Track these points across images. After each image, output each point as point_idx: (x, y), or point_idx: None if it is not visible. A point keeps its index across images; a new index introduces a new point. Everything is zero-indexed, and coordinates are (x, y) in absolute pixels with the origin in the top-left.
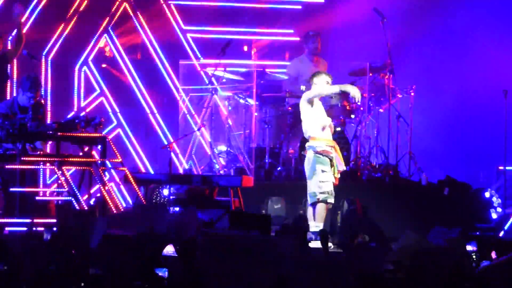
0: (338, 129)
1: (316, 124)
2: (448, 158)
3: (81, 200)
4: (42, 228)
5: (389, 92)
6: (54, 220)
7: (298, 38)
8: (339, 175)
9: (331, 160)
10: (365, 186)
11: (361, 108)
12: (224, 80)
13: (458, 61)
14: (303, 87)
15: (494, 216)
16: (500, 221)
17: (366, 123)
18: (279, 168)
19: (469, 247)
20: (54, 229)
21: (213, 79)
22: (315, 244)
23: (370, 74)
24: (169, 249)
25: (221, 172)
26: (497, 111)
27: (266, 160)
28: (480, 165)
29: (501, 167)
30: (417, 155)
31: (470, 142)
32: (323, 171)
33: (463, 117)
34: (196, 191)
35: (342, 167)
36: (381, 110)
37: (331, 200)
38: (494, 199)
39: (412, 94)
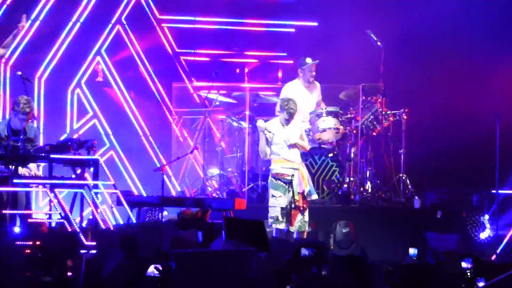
0: (331, 154)
1: (274, 146)
2: (441, 181)
3: (74, 222)
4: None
5: (381, 115)
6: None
7: (291, 61)
8: (299, 197)
9: (289, 183)
10: (358, 209)
11: (354, 132)
12: (217, 103)
13: (452, 83)
14: (320, 110)
15: (484, 237)
16: (492, 244)
17: (359, 146)
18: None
19: (464, 264)
20: None
21: (206, 101)
22: None
23: (363, 97)
24: (151, 270)
25: (214, 194)
26: (491, 134)
27: (259, 183)
28: (473, 188)
29: (494, 191)
30: (410, 178)
31: (463, 166)
32: (273, 195)
33: (456, 141)
34: (188, 214)
35: (302, 188)
36: (374, 133)
37: (279, 225)
38: (485, 222)
39: (405, 117)
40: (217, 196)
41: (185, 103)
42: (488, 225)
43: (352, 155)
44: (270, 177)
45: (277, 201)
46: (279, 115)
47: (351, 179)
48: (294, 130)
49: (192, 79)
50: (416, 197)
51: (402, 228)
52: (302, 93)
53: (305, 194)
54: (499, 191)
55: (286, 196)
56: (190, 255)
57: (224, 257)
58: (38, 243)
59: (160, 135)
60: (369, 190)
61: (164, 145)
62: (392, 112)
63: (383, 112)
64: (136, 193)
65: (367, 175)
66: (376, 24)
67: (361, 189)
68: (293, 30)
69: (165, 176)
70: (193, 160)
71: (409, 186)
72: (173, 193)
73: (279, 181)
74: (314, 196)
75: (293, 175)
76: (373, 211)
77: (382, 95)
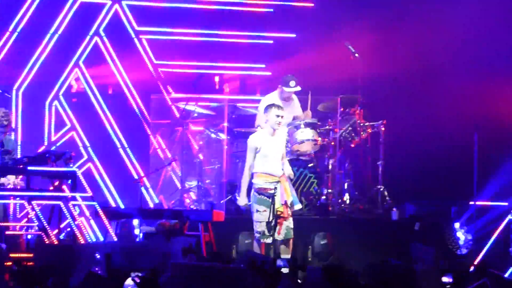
0: (309, 165)
1: (257, 160)
2: (419, 193)
3: (51, 234)
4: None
5: (359, 127)
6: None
7: (269, 73)
8: (283, 208)
9: (272, 196)
10: (336, 221)
11: (332, 143)
12: (195, 115)
13: (429, 95)
14: (298, 122)
15: (463, 250)
16: (470, 256)
17: (337, 158)
18: (250, 203)
19: (445, 279)
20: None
21: (184, 113)
22: None
23: (341, 109)
24: (129, 282)
25: (192, 206)
26: (469, 145)
27: (237, 195)
28: (452, 200)
29: (472, 202)
30: (389, 190)
31: (442, 177)
32: (257, 210)
33: (434, 152)
34: (166, 226)
35: (284, 200)
36: (352, 145)
37: (265, 240)
38: (460, 234)
39: (383, 129)
40: (195, 208)
41: (163, 114)
42: (461, 233)
43: (330, 166)
44: (253, 191)
45: (262, 215)
46: (265, 125)
47: (329, 190)
48: (282, 138)
49: (170, 90)
50: (394, 209)
51: (380, 239)
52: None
53: (288, 204)
54: (477, 203)
55: (270, 209)
56: (187, 267)
57: (221, 272)
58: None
59: (138, 147)
60: (347, 202)
61: (142, 157)
62: (370, 123)
63: (361, 124)
64: (114, 205)
65: (345, 187)
66: (354, 36)
67: (339, 200)
68: (271, 41)
69: (143, 188)
70: (171, 172)
71: (387, 198)
72: (151, 205)
73: (263, 196)
74: (297, 206)
75: (275, 188)
76: (351, 222)
77: (360, 107)
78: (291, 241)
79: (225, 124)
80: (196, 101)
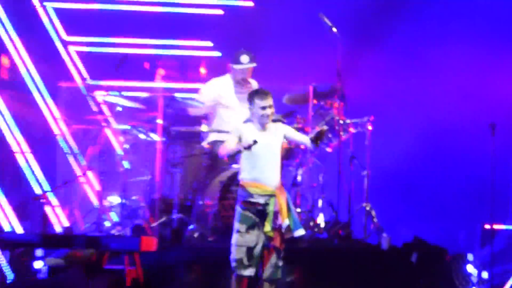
0: None
1: (244, 161)
2: (417, 213)
3: None
4: None
5: (339, 125)
6: None
7: (218, 54)
8: (274, 234)
9: (261, 214)
10: (307, 250)
11: (302, 147)
12: (119, 109)
13: (429, 86)
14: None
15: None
16: None
17: (309, 167)
18: (191, 227)
19: None
20: None
21: (104, 106)
22: None
23: (314, 102)
24: None
25: (114, 231)
26: (482, 151)
27: (174, 216)
28: (460, 223)
29: (487, 226)
30: (377, 209)
31: (446, 192)
32: (238, 230)
33: (436, 160)
34: (79, 257)
35: (278, 222)
36: (328, 150)
37: (243, 271)
38: (472, 268)
39: (370, 128)
40: (117, 234)
41: (76, 108)
42: (473, 268)
43: (299, 178)
44: (236, 205)
45: (243, 238)
46: (252, 118)
47: (298, 210)
48: (278, 133)
49: (86, 76)
50: (384, 235)
51: (365, 276)
52: (232, 93)
53: (284, 229)
54: (495, 226)
55: (257, 231)
56: None
57: None
58: None
59: (41, 152)
60: (322, 225)
61: (46, 166)
62: (353, 121)
63: (341, 121)
64: (8, 229)
65: (319, 205)
66: (331, 6)
67: (311, 224)
68: (221, 12)
69: (47, 207)
70: (86, 185)
71: (375, 220)
72: (59, 229)
73: (248, 212)
74: (300, 232)
75: (267, 204)
76: (327, 253)
77: (340, 99)
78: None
79: (159, 121)
80: (120, 90)
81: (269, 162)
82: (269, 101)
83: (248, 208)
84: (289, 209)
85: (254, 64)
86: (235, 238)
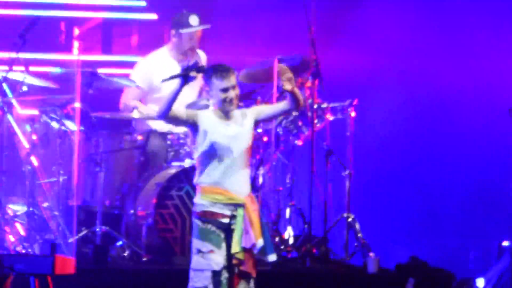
0: None
1: (202, 160)
2: (413, 226)
3: None
4: None
5: (312, 110)
6: None
7: (154, 16)
8: (243, 256)
9: (226, 230)
10: (271, 274)
11: (265, 139)
12: (24, 89)
13: (431, 60)
14: (204, 101)
15: None
16: None
17: (272, 165)
18: (120, 243)
19: None
20: None
21: (5, 85)
22: None
23: (281, 80)
24: None
25: (18, 248)
26: (497, 146)
27: (97, 229)
28: (469, 239)
29: (506, 243)
30: (361, 220)
31: (452, 199)
32: (199, 250)
33: (437, 158)
34: None
35: (250, 242)
36: (299, 142)
37: None
38: None
39: (353, 114)
40: (24, 252)
41: None
42: None
43: (260, 179)
44: (193, 217)
45: (206, 260)
46: (209, 103)
47: None
48: (247, 122)
49: None
50: (371, 254)
51: None
52: (172, 69)
53: (257, 251)
54: None
55: (222, 250)
56: None
57: None
58: None
59: None
60: (291, 241)
61: None
62: (331, 105)
63: (315, 106)
64: None
65: (287, 215)
66: None
67: (277, 239)
68: None
69: None
70: None
71: (360, 235)
72: None
73: (210, 225)
74: (272, 257)
75: (233, 217)
76: (297, 277)
77: (313, 76)
78: None
79: (77, 104)
80: (26, 64)
81: (236, 161)
82: (232, 81)
83: (209, 220)
84: (261, 225)
85: (207, 26)
86: (195, 261)
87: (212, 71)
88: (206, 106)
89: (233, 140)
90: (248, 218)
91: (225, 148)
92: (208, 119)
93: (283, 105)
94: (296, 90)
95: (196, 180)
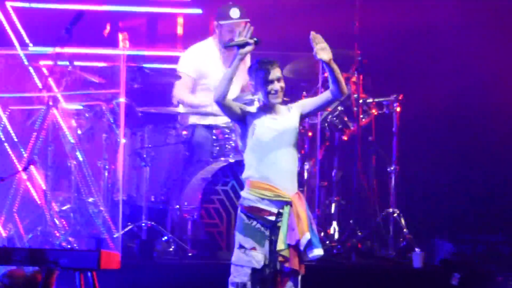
0: None
1: (249, 154)
2: (458, 222)
3: None
4: None
5: (358, 105)
6: None
7: (199, 11)
8: (289, 253)
9: (272, 227)
10: (316, 269)
11: (310, 134)
12: (68, 82)
13: (484, 51)
14: (249, 95)
15: None
16: None
17: (318, 160)
18: (165, 238)
19: None
20: None
21: (50, 80)
22: None
23: (325, 74)
24: None
25: (64, 243)
26: None
27: (143, 224)
28: None
29: None
30: (407, 215)
31: (497, 196)
32: (241, 246)
33: (485, 154)
34: (19, 277)
35: (295, 238)
36: (344, 138)
37: None
38: None
39: (398, 109)
40: (69, 246)
41: (14, 83)
42: None
43: (306, 174)
44: (239, 211)
45: (247, 256)
46: (254, 98)
47: None
48: (292, 117)
49: (28, 41)
50: (417, 250)
51: None
52: (218, 63)
53: (303, 246)
54: None
55: (264, 248)
56: None
57: None
58: None
59: None
60: (336, 237)
61: None
62: (376, 100)
63: (361, 101)
64: None
65: (333, 210)
66: None
67: (322, 234)
68: None
69: None
70: (28, 183)
71: (405, 230)
72: None
73: (255, 223)
74: (318, 251)
75: (280, 214)
76: (343, 272)
77: (359, 71)
78: None
79: (122, 99)
80: (71, 59)
81: (284, 156)
82: (277, 73)
83: (255, 216)
84: (307, 222)
85: (248, 19)
86: (236, 255)
87: (257, 63)
88: (251, 101)
89: (281, 135)
90: (295, 214)
91: (273, 143)
92: (256, 114)
93: (326, 94)
94: (334, 65)
95: (244, 174)
